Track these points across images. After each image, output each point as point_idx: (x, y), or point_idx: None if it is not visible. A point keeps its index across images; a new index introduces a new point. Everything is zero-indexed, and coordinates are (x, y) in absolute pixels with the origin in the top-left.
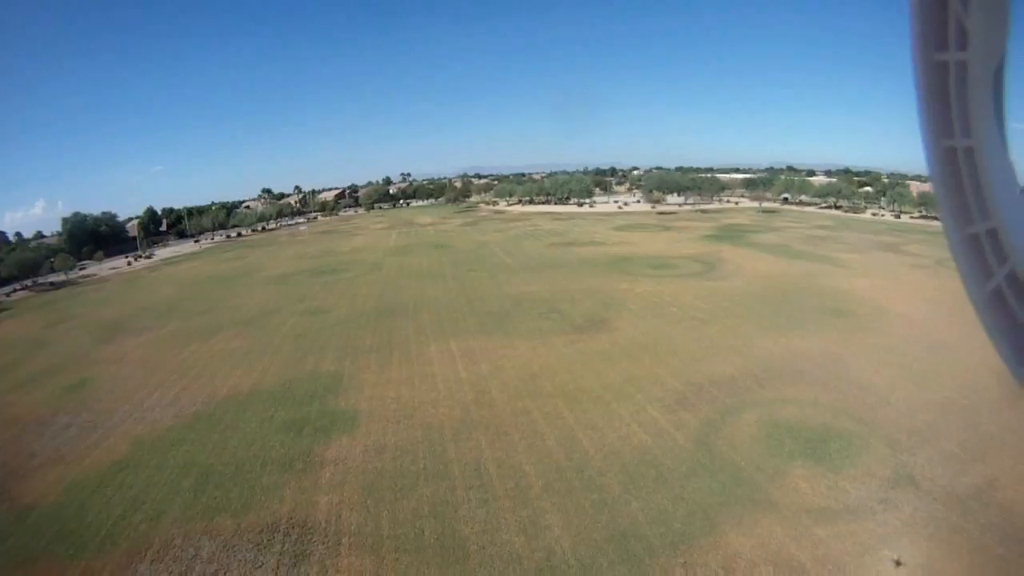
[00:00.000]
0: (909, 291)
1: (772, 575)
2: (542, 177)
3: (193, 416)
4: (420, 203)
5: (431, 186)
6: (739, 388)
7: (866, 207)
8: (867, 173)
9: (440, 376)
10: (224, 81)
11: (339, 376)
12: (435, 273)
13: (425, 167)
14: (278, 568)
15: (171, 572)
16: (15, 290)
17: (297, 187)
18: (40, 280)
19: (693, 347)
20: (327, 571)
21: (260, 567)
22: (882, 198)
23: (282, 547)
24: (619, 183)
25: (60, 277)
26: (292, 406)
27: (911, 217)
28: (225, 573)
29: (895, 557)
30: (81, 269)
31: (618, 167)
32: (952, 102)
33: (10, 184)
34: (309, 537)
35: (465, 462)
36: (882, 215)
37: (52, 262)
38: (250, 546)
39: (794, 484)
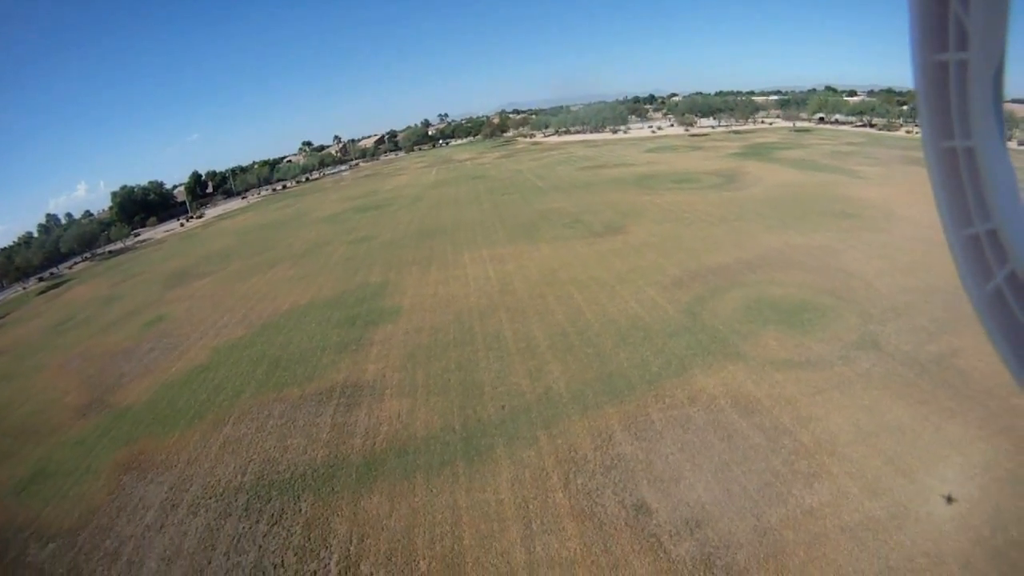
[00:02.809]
0: (924, 199)
1: (729, 404)
2: (578, 108)
3: (261, 326)
4: (459, 142)
5: (469, 124)
6: (732, 273)
7: (902, 125)
8: (910, 92)
9: (472, 276)
10: (251, 39)
11: (385, 284)
12: (471, 200)
13: (463, 107)
14: (334, 414)
15: (249, 428)
16: (76, 262)
17: (336, 137)
18: (99, 251)
19: (697, 244)
20: (373, 411)
21: (320, 415)
22: (917, 116)
23: (338, 401)
24: (657, 110)
25: (117, 245)
26: (345, 308)
27: None
28: (293, 423)
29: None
30: (136, 236)
31: (657, 95)
32: (952, 103)
33: (50, 172)
34: (359, 392)
35: (487, 333)
36: (917, 132)
37: (108, 233)
38: (312, 404)
39: (764, 342)
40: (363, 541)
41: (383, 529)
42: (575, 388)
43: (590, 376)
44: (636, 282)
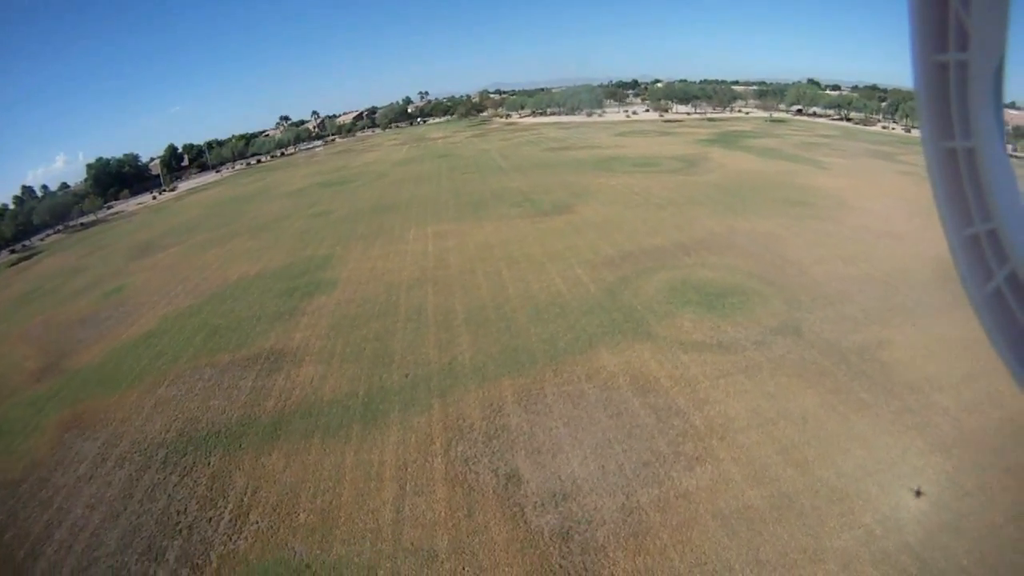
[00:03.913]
0: (882, 192)
1: (627, 383)
2: (559, 91)
3: (209, 296)
4: (436, 120)
5: (448, 103)
6: (665, 255)
7: (879, 120)
8: (896, 91)
9: (411, 251)
10: (236, 12)
11: (330, 257)
12: (432, 177)
13: (447, 86)
14: (256, 378)
15: (180, 390)
16: (48, 234)
17: (314, 112)
18: (71, 223)
19: (639, 225)
20: (291, 376)
21: (244, 379)
22: (895, 113)
23: (262, 366)
24: (638, 95)
25: (90, 218)
26: (288, 280)
27: None
28: (218, 385)
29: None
30: (109, 208)
31: (642, 80)
32: (952, 103)
33: (28, 142)
34: (282, 358)
35: (411, 306)
36: (892, 128)
37: (81, 205)
38: (239, 368)
39: (679, 324)
40: (256, 493)
41: (276, 483)
42: (479, 360)
43: (496, 349)
44: (567, 260)
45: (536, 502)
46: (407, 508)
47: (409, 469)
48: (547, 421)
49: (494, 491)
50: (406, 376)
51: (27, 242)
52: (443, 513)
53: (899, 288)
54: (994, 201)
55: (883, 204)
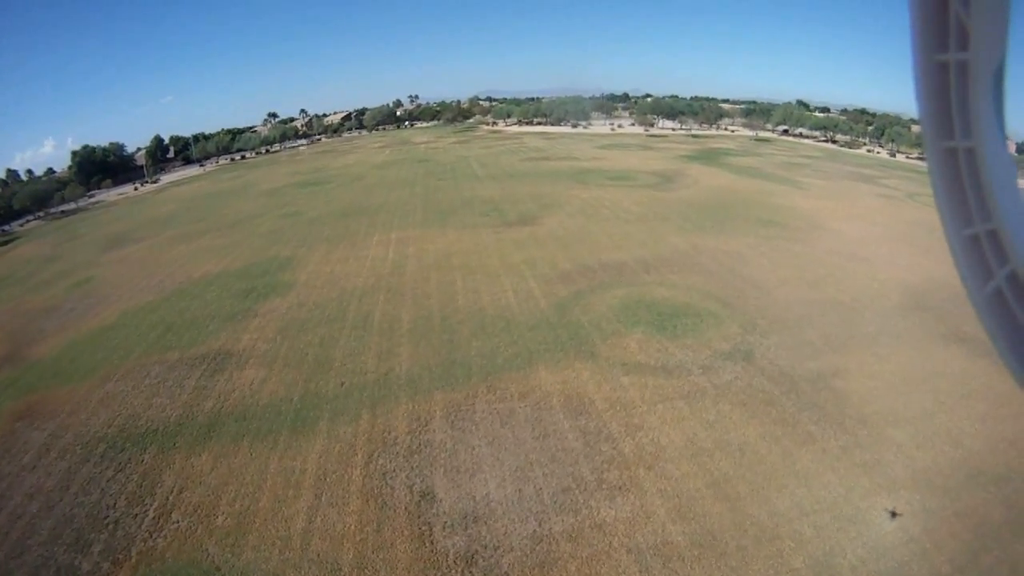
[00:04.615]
0: (859, 214)
1: (560, 403)
2: (547, 100)
3: (170, 292)
4: (424, 124)
5: (437, 108)
6: (624, 271)
7: (864, 143)
8: (884, 116)
9: (371, 257)
10: (234, 5)
11: (291, 259)
12: (407, 182)
13: (440, 90)
14: (200, 378)
15: (127, 386)
16: (28, 220)
17: (303, 110)
18: (52, 210)
19: (603, 240)
20: (232, 378)
21: (188, 378)
22: (881, 137)
23: (207, 366)
24: (627, 109)
25: (71, 206)
26: (247, 280)
27: (907, 157)
28: (163, 383)
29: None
30: (90, 197)
31: (633, 94)
32: (952, 103)
33: (19, 125)
34: (228, 360)
35: (360, 313)
36: (878, 152)
37: (63, 192)
38: (186, 367)
39: (624, 344)
40: (181, 493)
41: (201, 484)
42: (415, 372)
43: (434, 362)
44: (523, 273)
45: (446, 522)
46: (319, 519)
47: (328, 479)
48: (472, 439)
49: (406, 508)
50: (341, 384)
51: (7, 227)
52: (353, 526)
53: (864, 315)
54: (994, 201)
55: (857, 227)
